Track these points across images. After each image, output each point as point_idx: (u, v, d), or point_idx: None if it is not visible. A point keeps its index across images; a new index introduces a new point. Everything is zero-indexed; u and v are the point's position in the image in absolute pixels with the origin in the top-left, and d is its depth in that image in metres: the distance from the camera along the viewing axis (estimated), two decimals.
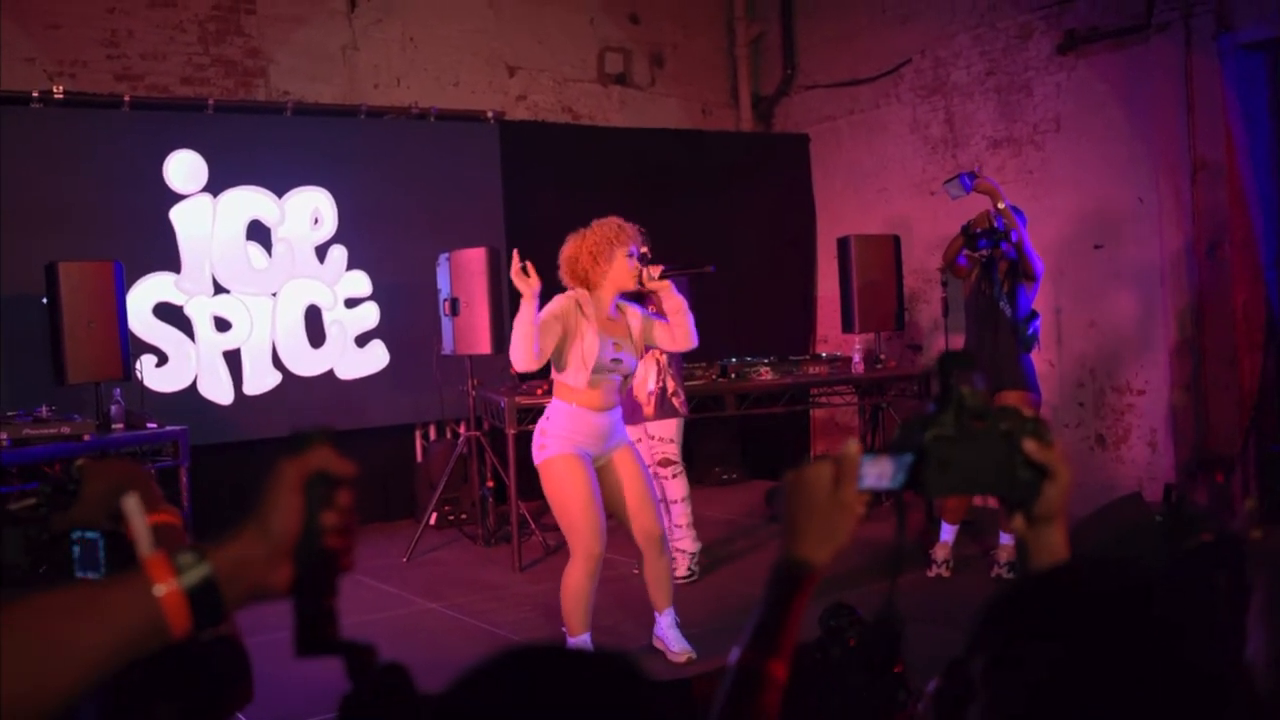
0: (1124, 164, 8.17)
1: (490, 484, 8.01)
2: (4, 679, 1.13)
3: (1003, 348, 6.68)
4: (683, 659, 5.36)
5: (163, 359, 8.00)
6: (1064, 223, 8.45)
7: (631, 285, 5.24)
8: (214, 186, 8.20)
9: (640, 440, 6.86)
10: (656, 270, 5.25)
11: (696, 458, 10.09)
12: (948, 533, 6.81)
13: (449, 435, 8.84)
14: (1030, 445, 1.45)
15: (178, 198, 8.11)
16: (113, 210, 7.85)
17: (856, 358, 8.35)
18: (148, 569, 1.19)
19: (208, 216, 8.18)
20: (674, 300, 5.34)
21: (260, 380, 8.29)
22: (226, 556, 1.22)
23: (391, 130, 8.97)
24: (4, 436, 5.96)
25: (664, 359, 6.89)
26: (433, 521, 8.21)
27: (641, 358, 5.47)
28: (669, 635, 5.44)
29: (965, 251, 6.83)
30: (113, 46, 8.41)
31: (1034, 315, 6.74)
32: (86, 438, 6.29)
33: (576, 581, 5.06)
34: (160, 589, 1.18)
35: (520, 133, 9.54)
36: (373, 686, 1.23)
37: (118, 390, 6.87)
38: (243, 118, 8.47)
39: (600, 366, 5.11)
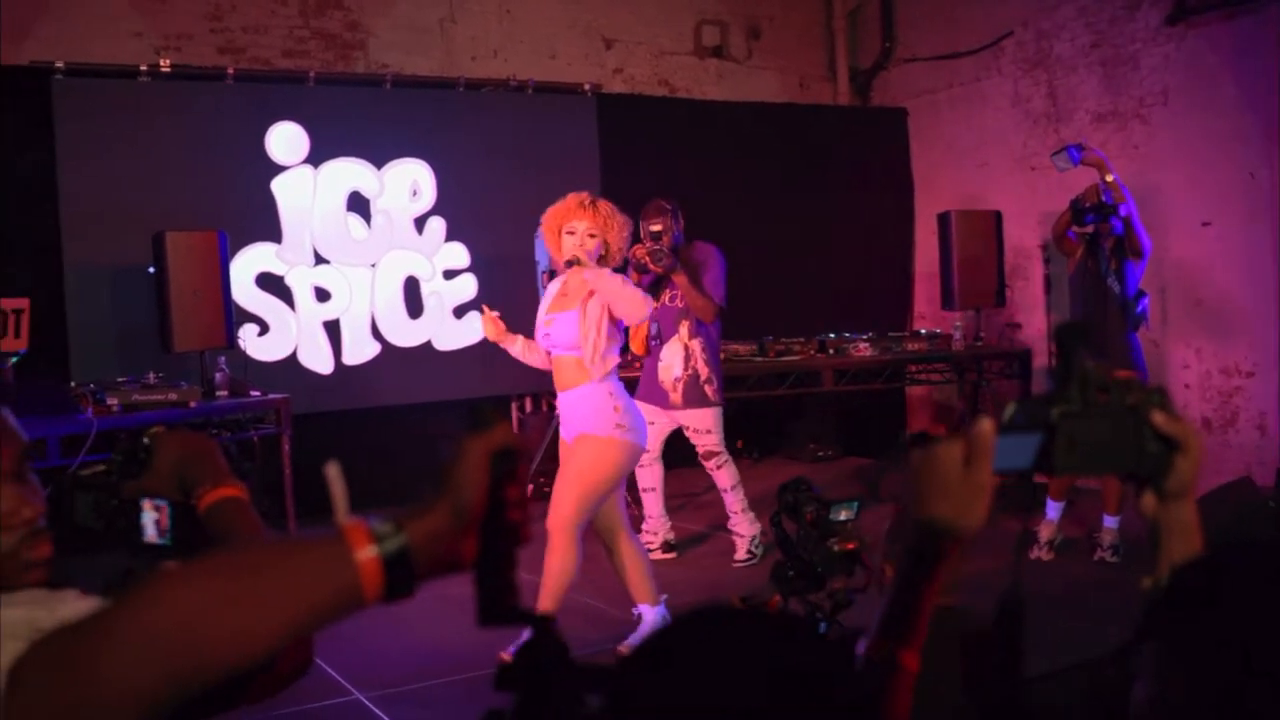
0: (1234, 138, 7.97)
1: None
2: (212, 627, 1.15)
3: (1110, 326, 6.55)
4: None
5: (264, 328, 8.11)
6: (1171, 199, 8.26)
7: (561, 260, 5.15)
8: (315, 158, 8.28)
9: (685, 429, 6.87)
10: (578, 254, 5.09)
11: (792, 434, 10.05)
12: (1054, 510, 6.67)
13: (544, 408, 8.86)
14: (1159, 417, 1.40)
15: (279, 169, 8.20)
16: (216, 181, 7.95)
17: (956, 335, 8.25)
18: (347, 535, 1.20)
19: (308, 188, 8.26)
20: (597, 274, 5.03)
21: (359, 350, 8.37)
22: (420, 529, 1.22)
23: (489, 103, 8.99)
24: (114, 402, 6.06)
25: (695, 344, 6.76)
26: (529, 494, 8.23)
27: (597, 333, 4.99)
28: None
29: (1073, 227, 6.68)
30: (216, 20, 8.52)
31: (1142, 294, 6.60)
32: (193, 404, 6.38)
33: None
34: (359, 555, 1.18)
35: (617, 106, 9.53)
36: (536, 654, 1.22)
37: (223, 358, 6.96)
38: (343, 90, 8.53)
39: (542, 344, 5.22)
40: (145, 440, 1.81)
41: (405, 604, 1.22)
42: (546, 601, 4.95)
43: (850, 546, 3.19)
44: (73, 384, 6.44)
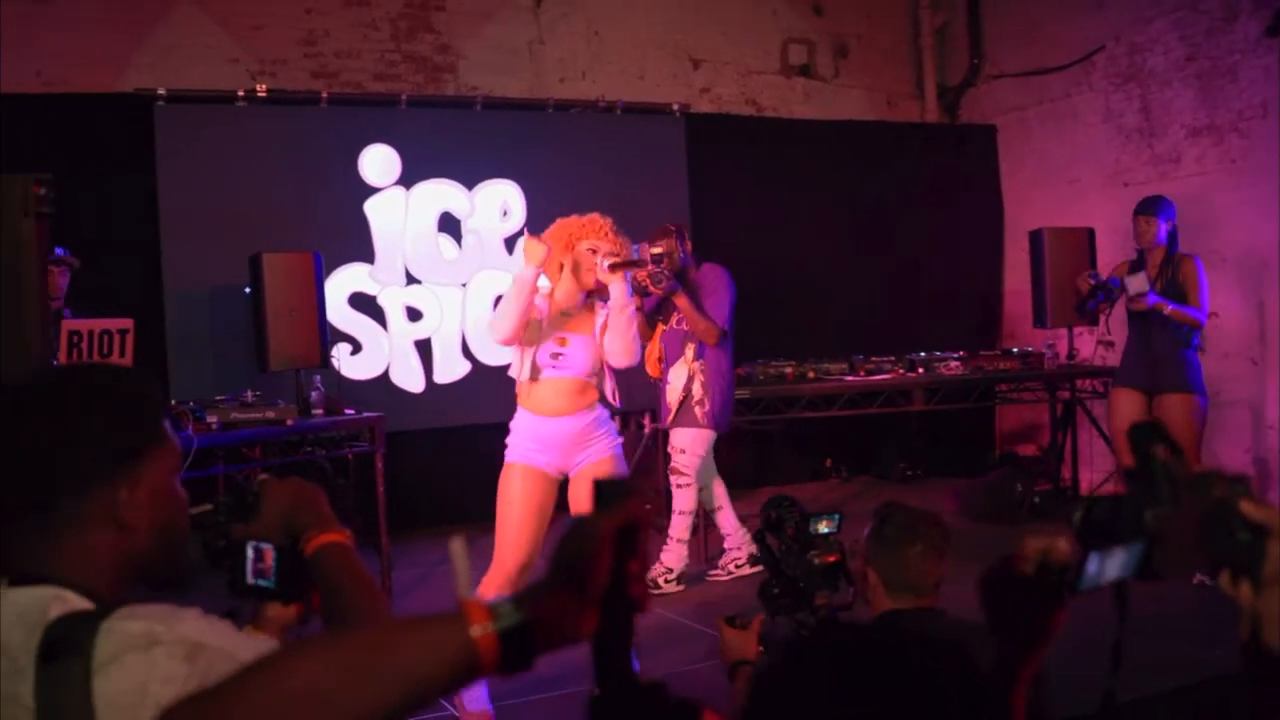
0: None
1: None
2: (337, 697, 1.20)
3: (1159, 347, 6.50)
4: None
5: (357, 347, 8.23)
6: (1270, 214, 8.09)
7: (589, 284, 4.87)
8: (406, 179, 8.40)
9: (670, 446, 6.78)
10: (609, 259, 4.81)
11: (881, 453, 9.98)
12: None
13: (633, 426, 8.88)
14: (1247, 506, 1.37)
15: (372, 191, 8.33)
16: (311, 203, 8.10)
17: (1049, 353, 8.16)
18: (466, 611, 1.24)
19: (400, 209, 8.38)
20: (618, 297, 4.79)
21: (450, 369, 8.46)
22: (542, 607, 1.25)
23: (578, 123, 9.06)
24: (214, 420, 6.18)
25: (697, 366, 6.67)
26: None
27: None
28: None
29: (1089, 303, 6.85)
30: (310, 45, 8.68)
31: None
32: (289, 422, 6.49)
33: (485, 593, 4.60)
34: (476, 630, 1.22)
35: (704, 125, 9.56)
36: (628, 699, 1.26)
37: (318, 377, 7.07)
38: (434, 112, 8.65)
39: (537, 363, 4.81)
40: (255, 487, 1.88)
41: None
42: None
43: (831, 559, 3.16)
44: (173, 402, 6.58)
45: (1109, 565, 1.39)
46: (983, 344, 9.72)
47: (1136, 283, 6.55)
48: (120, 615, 1.45)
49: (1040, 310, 8.30)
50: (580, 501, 4.78)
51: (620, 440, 5.03)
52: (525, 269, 4.74)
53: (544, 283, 4.92)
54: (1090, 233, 8.48)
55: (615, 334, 4.78)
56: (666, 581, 6.70)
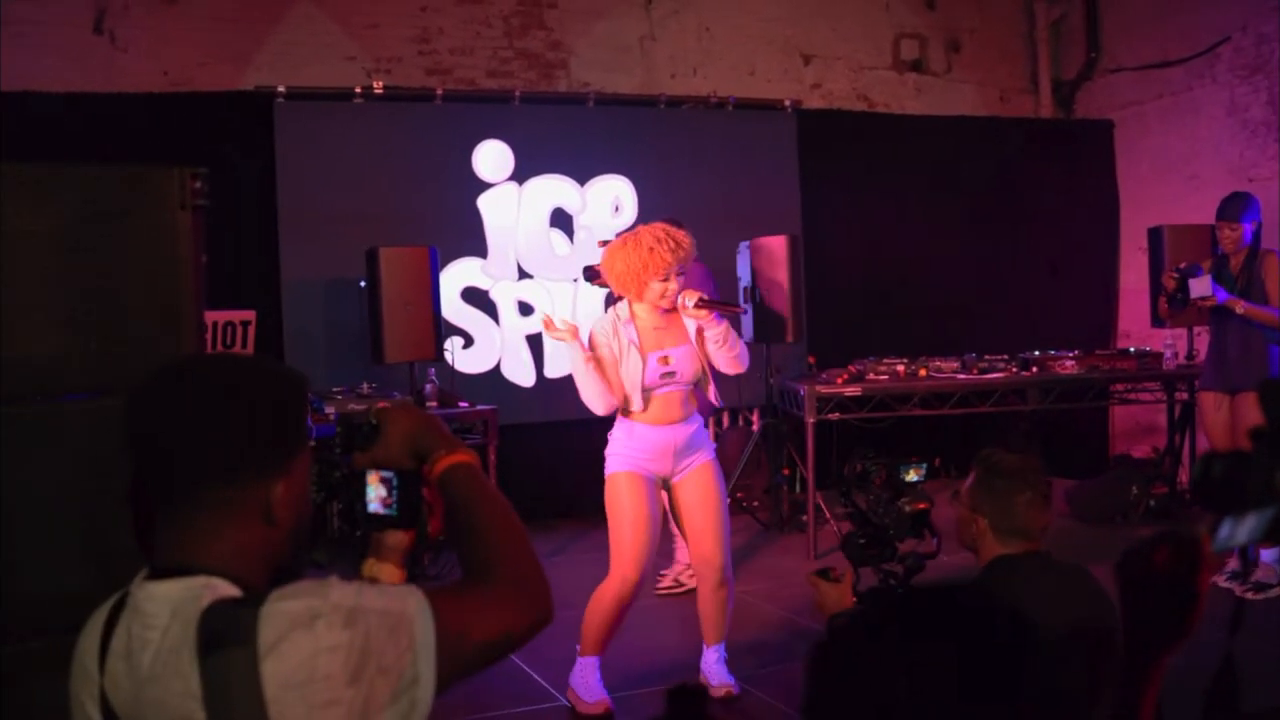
0: None
1: (786, 471, 8.01)
2: None
3: (1235, 347, 6.33)
4: (721, 693, 4.89)
5: (469, 341, 8.32)
6: None
7: (669, 306, 4.82)
8: (519, 175, 8.48)
9: None
10: (692, 297, 4.78)
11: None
12: (1269, 554, 6.26)
13: (740, 422, 8.87)
14: None
15: (485, 186, 8.42)
16: (425, 198, 8.21)
17: (1168, 353, 7.99)
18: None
19: (513, 204, 8.46)
20: (715, 329, 4.84)
21: (560, 364, 8.50)
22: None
23: (690, 119, 9.07)
24: (331, 410, 6.30)
25: None
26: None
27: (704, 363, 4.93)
28: (712, 670, 4.97)
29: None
30: (424, 43, 8.79)
31: None
32: None
33: (602, 601, 4.77)
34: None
35: (816, 121, 9.52)
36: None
37: (432, 370, 7.17)
38: (546, 108, 8.71)
39: (651, 385, 4.79)
40: (371, 418, 1.87)
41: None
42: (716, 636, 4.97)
43: (921, 506, 3.22)
44: None
45: (1240, 530, 1.35)
46: (1098, 343, 9.54)
47: (1199, 286, 6.39)
48: (276, 597, 1.48)
49: (1158, 309, 8.12)
50: (687, 507, 4.88)
51: (715, 445, 5.08)
52: (572, 354, 4.80)
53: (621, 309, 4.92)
54: (1211, 229, 8.27)
55: (722, 355, 4.87)
56: (690, 577, 6.57)
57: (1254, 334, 6.28)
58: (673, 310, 4.86)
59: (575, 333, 4.80)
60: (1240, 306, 6.29)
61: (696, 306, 4.77)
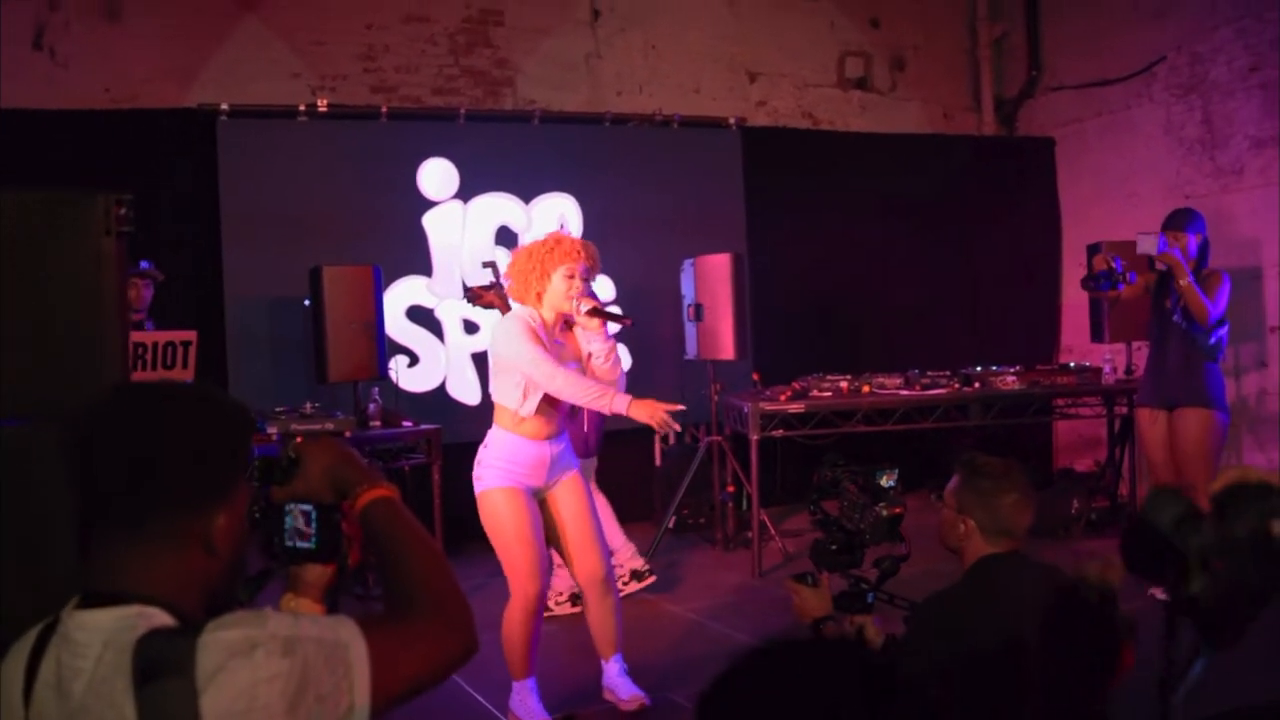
0: None
1: (730, 489, 8.04)
2: None
3: (1173, 362, 6.38)
4: (634, 705, 4.90)
5: (414, 359, 8.30)
6: None
7: (567, 309, 4.67)
8: (464, 193, 8.47)
9: None
10: (587, 304, 4.65)
11: (936, 468, 9.91)
12: None
13: (688, 439, 8.89)
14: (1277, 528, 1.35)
15: (430, 204, 8.41)
16: (370, 216, 8.18)
17: (1107, 368, 8.09)
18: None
19: (458, 222, 8.45)
20: (601, 346, 4.73)
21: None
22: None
23: (635, 137, 9.11)
24: (273, 431, 6.27)
25: None
26: (671, 525, 8.27)
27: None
28: (618, 683, 4.96)
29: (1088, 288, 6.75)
30: (370, 60, 8.77)
31: (1221, 322, 6.36)
32: (347, 434, 6.56)
33: (512, 623, 4.69)
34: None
35: (761, 139, 9.58)
36: None
37: (376, 389, 7.15)
38: (492, 126, 8.71)
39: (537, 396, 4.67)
40: (291, 450, 1.89)
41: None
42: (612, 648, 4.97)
43: (898, 510, 3.28)
44: None
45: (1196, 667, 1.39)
46: (1042, 358, 9.64)
47: (1145, 242, 6.40)
48: (213, 627, 1.48)
49: (1098, 325, 8.23)
50: (563, 519, 4.81)
51: (578, 460, 5.04)
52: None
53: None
54: None
55: (603, 374, 4.77)
56: (625, 584, 6.60)
57: (1195, 350, 6.32)
58: (569, 329, 4.80)
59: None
60: (1184, 280, 6.19)
61: (589, 314, 4.67)
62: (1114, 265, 6.47)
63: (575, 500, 4.82)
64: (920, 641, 2.92)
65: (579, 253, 4.68)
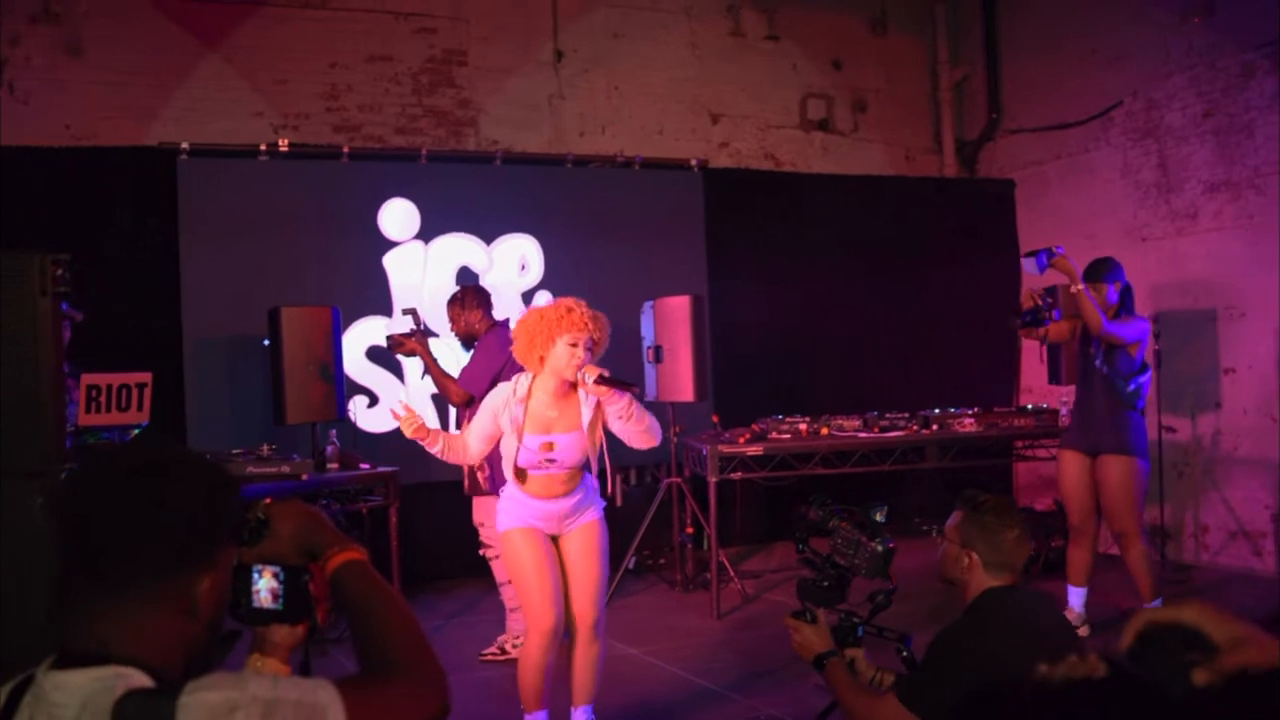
0: None
1: (689, 530, 8.04)
2: None
3: (1098, 409, 6.51)
4: None
5: (373, 400, 8.27)
6: None
7: (570, 376, 4.71)
8: (426, 234, 8.48)
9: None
10: (593, 374, 4.66)
11: (896, 508, 9.94)
12: (1075, 597, 6.65)
13: (648, 480, 8.89)
14: (1201, 676, 1.35)
15: (391, 244, 8.40)
16: (330, 256, 8.18)
17: (1063, 410, 8.14)
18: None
19: (419, 263, 8.45)
20: (617, 404, 4.74)
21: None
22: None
23: (597, 178, 9.13)
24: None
25: None
26: (630, 566, 8.26)
27: (596, 447, 4.87)
28: None
29: (1015, 326, 6.77)
30: (332, 100, 8.78)
31: (1142, 370, 6.48)
32: (304, 477, 6.51)
33: (528, 656, 4.75)
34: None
35: (723, 180, 9.63)
36: None
37: (333, 431, 7.11)
38: (454, 166, 8.73)
39: (528, 466, 4.76)
40: (260, 513, 1.89)
41: None
42: (585, 697, 4.98)
43: (892, 545, 3.35)
44: None
45: None
46: (1000, 399, 9.70)
47: (1029, 265, 6.48)
48: (192, 688, 1.48)
49: (1055, 367, 8.29)
50: (569, 561, 4.88)
51: (604, 504, 5.05)
52: (428, 442, 4.89)
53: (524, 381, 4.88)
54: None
55: (630, 430, 4.81)
56: (514, 647, 6.38)
57: (1115, 397, 6.44)
58: (572, 392, 4.80)
59: (422, 430, 4.79)
60: (1077, 285, 6.34)
61: (596, 383, 4.67)
62: (1040, 302, 6.56)
63: (584, 546, 4.88)
64: (945, 674, 3.01)
65: (587, 325, 4.75)
